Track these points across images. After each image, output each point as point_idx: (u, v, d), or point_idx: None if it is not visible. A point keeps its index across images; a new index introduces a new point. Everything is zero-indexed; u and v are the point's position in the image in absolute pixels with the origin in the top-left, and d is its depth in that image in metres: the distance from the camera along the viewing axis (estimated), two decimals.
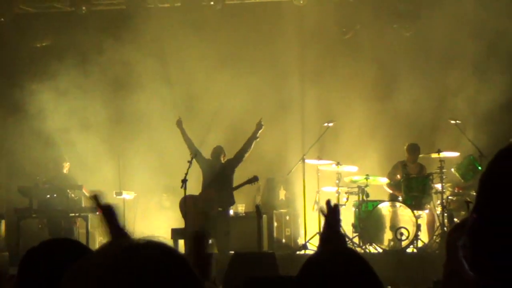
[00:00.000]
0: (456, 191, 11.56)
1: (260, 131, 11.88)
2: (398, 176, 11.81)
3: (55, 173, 12.38)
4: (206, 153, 12.21)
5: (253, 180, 11.70)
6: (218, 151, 12.14)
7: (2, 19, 13.38)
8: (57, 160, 12.48)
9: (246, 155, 11.97)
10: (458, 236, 2.85)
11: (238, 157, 11.96)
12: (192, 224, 11.04)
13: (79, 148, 12.97)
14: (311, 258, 2.37)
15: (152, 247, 1.36)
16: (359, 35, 13.61)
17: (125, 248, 1.36)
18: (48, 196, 11.77)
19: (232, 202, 11.94)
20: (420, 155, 11.87)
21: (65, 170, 12.35)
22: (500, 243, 1.18)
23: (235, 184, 11.85)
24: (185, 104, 13.40)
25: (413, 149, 11.95)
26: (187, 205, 11.28)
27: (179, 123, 12.10)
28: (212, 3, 13.43)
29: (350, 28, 13.58)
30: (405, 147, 12.12)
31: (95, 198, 2.58)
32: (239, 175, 12.00)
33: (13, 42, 13.78)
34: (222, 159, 12.10)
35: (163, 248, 1.38)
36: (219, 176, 11.85)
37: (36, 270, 2.47)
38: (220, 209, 11.68)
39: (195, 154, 11.56)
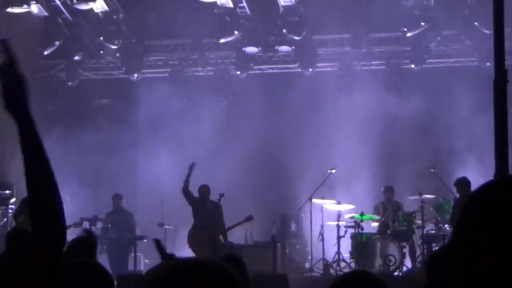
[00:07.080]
0: (434, 226, 12.33)
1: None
2: (380, 214, 12.82)
3: (115, 205, 13.62)
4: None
5: (249, 219, 12.25)
6: (206, 190, 12.30)
7: (70, 83, 14.79)
8: (116, 196, 13.67)
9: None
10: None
11: (220, 222, 12.07)
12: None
13: (131, 188, 14.11)
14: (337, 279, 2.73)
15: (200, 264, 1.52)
16: (355, 99, 14.74)
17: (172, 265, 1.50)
18: (105, 225, 13.21)
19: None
20: (409, 197, 12.76)
21: (122, 204, 13.72)
22: (470, 254, 1.26)
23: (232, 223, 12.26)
24: (211, 154, 14.33)
25: (387, 190, 13.15)
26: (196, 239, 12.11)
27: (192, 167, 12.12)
28: (238, 72, 14.75)
29: (348, 94, 14.73)
30: (382, 189, 13.23)
31: (157, 243, 2.79)
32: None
33: (79, 101, 14.96)
34: (209, 196, 12.26)
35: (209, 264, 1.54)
36: (210, 214, 12.12)
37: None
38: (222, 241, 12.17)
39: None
